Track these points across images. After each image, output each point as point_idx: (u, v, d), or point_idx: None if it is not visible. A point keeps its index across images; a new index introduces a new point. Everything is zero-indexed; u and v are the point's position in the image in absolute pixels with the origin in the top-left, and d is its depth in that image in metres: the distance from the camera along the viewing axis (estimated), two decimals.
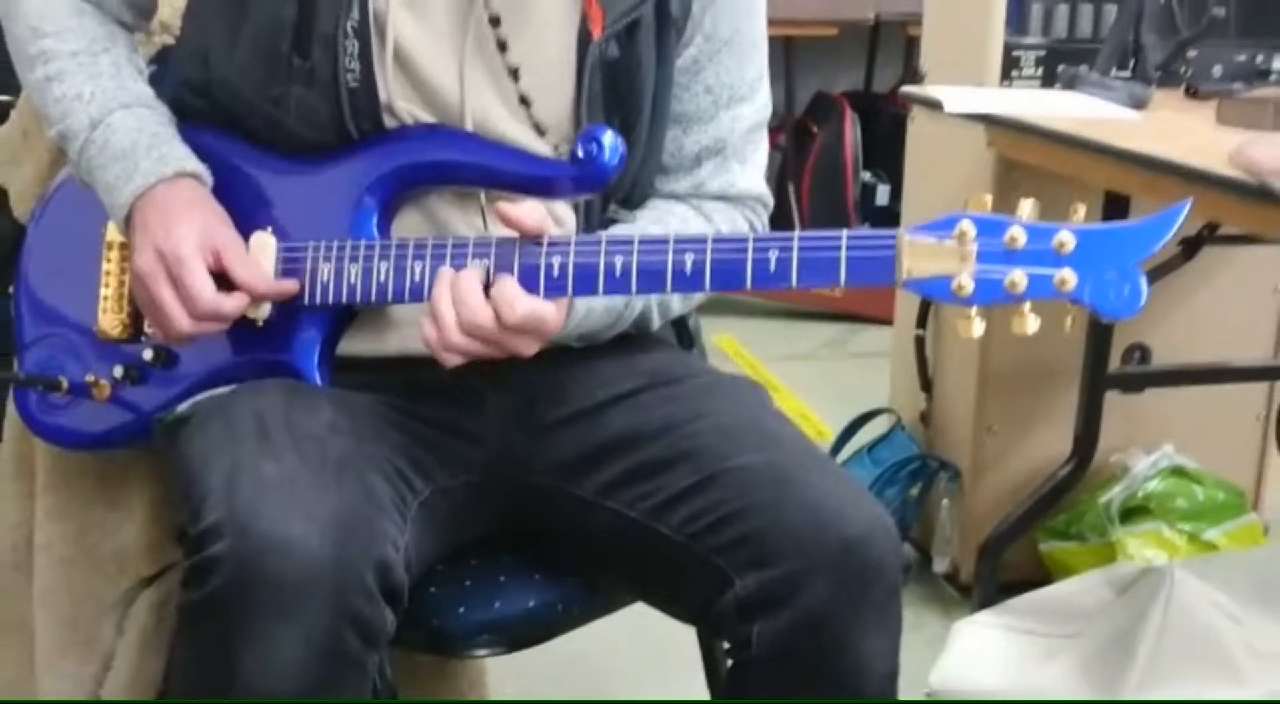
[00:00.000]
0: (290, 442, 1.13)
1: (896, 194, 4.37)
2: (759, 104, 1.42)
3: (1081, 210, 1.08)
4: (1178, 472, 2.34)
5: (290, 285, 1.26)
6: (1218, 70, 2.37)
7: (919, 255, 1.10)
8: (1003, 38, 2.28)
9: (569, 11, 1.28)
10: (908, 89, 2.25)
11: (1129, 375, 2.33)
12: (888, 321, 2.82)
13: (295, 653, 1.03)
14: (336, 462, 1.13)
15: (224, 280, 1.25)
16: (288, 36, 1.26)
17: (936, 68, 2.44)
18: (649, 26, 1.29)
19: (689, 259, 1.15)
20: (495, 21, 1.26)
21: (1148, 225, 1.06)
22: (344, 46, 1.25)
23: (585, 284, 1.18)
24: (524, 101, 1.28)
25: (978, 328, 1.08)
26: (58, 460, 1.51)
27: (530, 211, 1.18)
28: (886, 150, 4.41)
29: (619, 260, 1.16)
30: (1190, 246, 2.05)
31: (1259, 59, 2.41)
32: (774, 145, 3.68)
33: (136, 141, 1.30)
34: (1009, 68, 2.30)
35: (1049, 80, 2.30)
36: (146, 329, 1.35)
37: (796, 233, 1.15)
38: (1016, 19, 2.29)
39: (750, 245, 1.16)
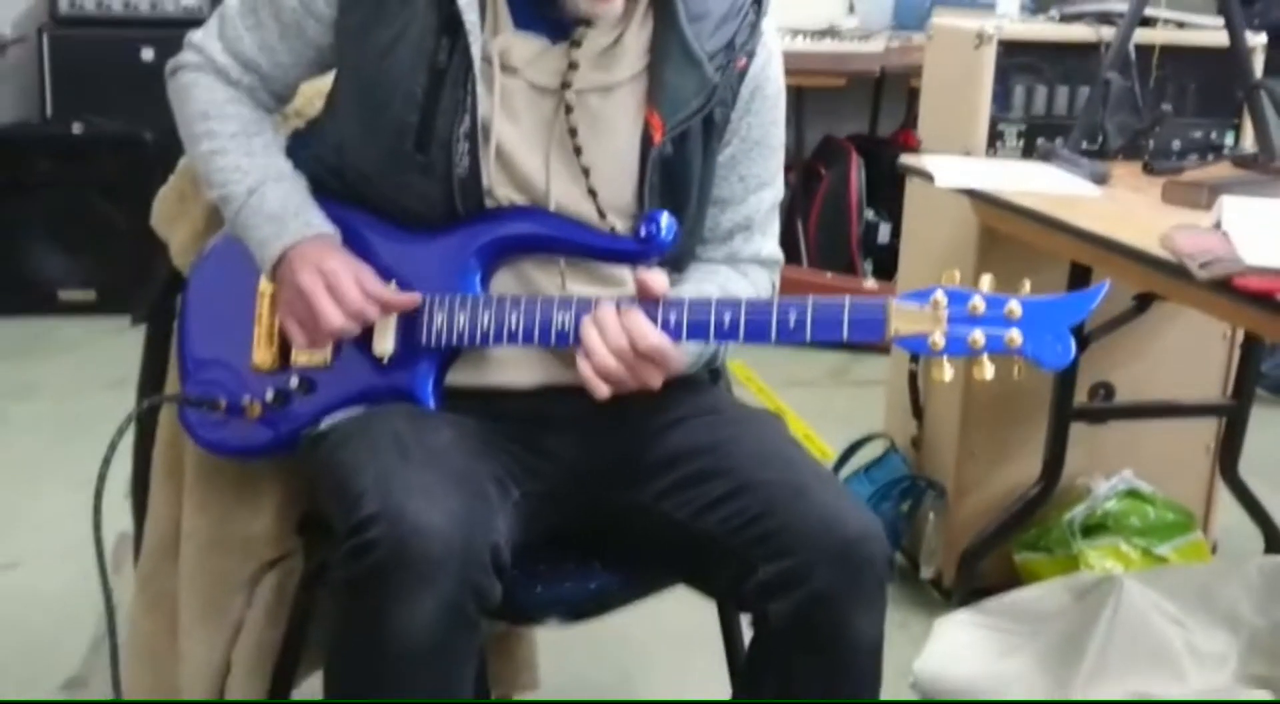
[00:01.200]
0: (424, 454, 1.47)
1: (897, 231, 4.65)
2: (778, 187, 1.75)
3: (1027, 285, 1.42)
4: (1134, 494, 2.60)
5: (414, 297, 1.58)
6: (1176, 144, 2.68)
7: (903, 318, 1.44)
8: (989, 113, 2.59)
9: (634, 120, 1.61)
10: (905, 160, 2.56)
11: (1093, 410, 2.62)
12: (885, 351, 3.11)
13: (433, 613, 1.36)
14: (458, 470, 1.47)
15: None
16: (411, 137, 1.57)
17: (932, 137, 2.75)
18: (697, 132, 1.62)
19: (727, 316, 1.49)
20: (573, 132, 1.59)
21: (1075, 299, 1.41)
22: (456, 147, 1.57)
23: (700, 332, 1.50)
24: (591, 192, 1.60)
25: (948, 373, 1.43)
26: (203, 464, 1.80)
27: (661, 278, 1.50)
28: (888, 191, 4.65)
29: (727, 316, 1.49)
30: (1142, 302, 2.36)
31: (1213, 135, 2.73)
32: (784, 185, 3.98)
33: (285, 207, 1.63)
34: (994, 139, 2.61)
35: (1029, 151, 2.60)
36: (293, 361, 1.66)
37: (811, 299, 1.47)
38: (1002, 97, 2.60)
39: (775, 307, 1.48)
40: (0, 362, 3.91)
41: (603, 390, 1.50)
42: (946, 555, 2.70)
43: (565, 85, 1.58)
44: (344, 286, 1.56)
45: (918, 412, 2.81)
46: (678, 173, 1.63)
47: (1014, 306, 1.40)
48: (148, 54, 4.48)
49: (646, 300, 1.51)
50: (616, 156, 1.61)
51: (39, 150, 4.29)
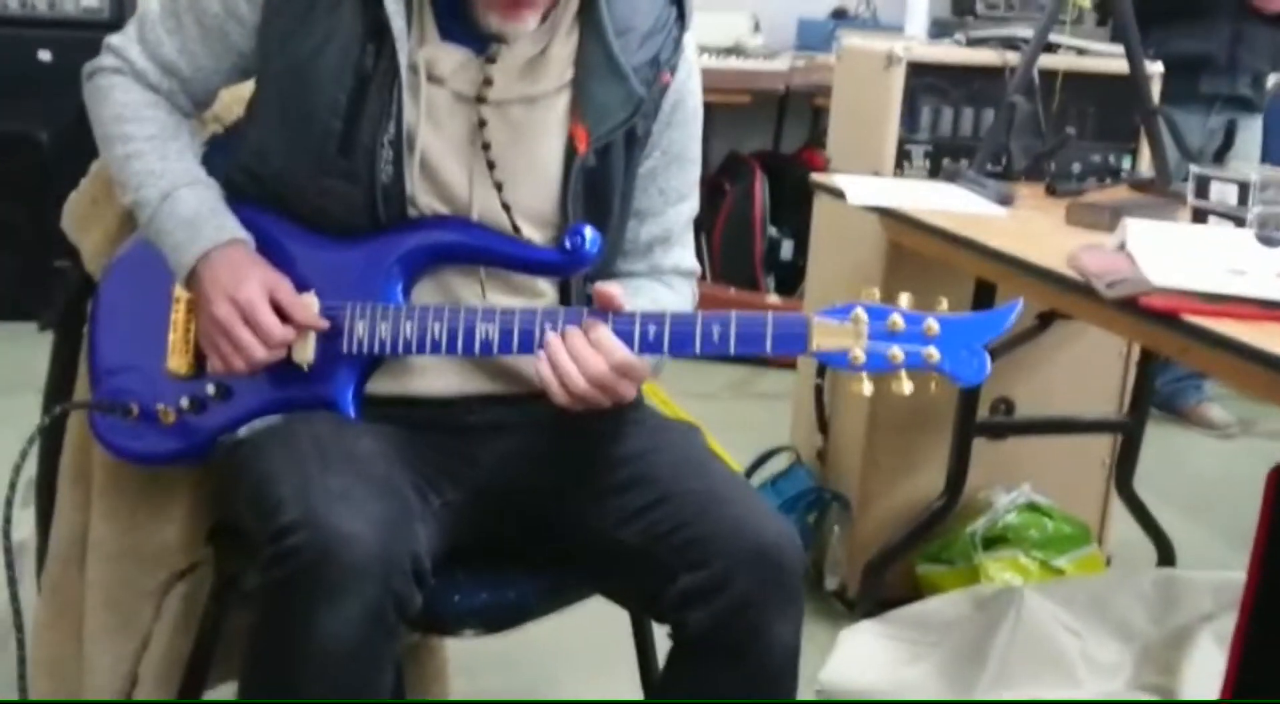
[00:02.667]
0: (345, 462, 1.46)
1: (799, 249, 4.73)
2: (695, 201, 1.78)
3: (945, 303, 1.45)
4: (1032, 507, 2.67)
5: (322, 322, 1.57)
6: (1076, 167, 2.76)
7: (825, 333, 1.46)
8: (897, 134, 2.64)
9: (558, 131, 1.62)
10: (816, 177, 2.60)
11: (994, 424, 2.68)
12: (789, 365, 3.16)
13: (354, 620, 1.35)
14: (379, 478, 1.47)
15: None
16: (335, 143, 1.57)
17: (841, 156, 2.80)
18: (620, 144, 1.63)
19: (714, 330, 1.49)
20: (487, 146, 1.59)
21: (990, 317, 1.45)
22: (380, 154, 1.57)
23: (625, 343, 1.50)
24: (505, 206, 1.60)
25: (867, 388, 1.45)
26: (111, 471, 1.77)
27: (619, 290, 1.51)
28: (791, 208, 4.75)
29: (652, 329, 1.50)
30: (1044, 320, 2.43)
31: (1111, 159, 2.82)
32: None
33: (199, 213, 1.61)
34: (901, 159, 2.66)
35: (935, 171, 2.66)
36: (211, 369, 1.64)
37: (734, 314, 1.48)
38: (910, 118, 2.66)
39: (700, 320, 1.49)
40: None
41: (576, 409, 1.51)
42: (850, 567, 2.74)
43: (480, 99, 1.58)
44: (261, 317, 1.55)
45: (823, 425, 2.85)
46: (600, 184, 1.64)
47: (932, 324, 1.44)
48: (45, 55, 4.40)
49: (602, 311, 1.51)
50: (539, 167, 1.63)
51: None
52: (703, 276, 4.58)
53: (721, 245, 4.77)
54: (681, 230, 1.76)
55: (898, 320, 1.44)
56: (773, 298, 4.54)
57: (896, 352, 1.44)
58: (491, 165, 1.60)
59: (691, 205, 1.76)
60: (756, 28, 5.02)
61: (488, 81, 1.58)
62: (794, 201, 4.65)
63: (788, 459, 2.95)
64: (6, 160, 4.22)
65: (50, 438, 1.88)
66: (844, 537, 2.77)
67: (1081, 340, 2.74)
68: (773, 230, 4.83)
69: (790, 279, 4.69)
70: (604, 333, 1.49)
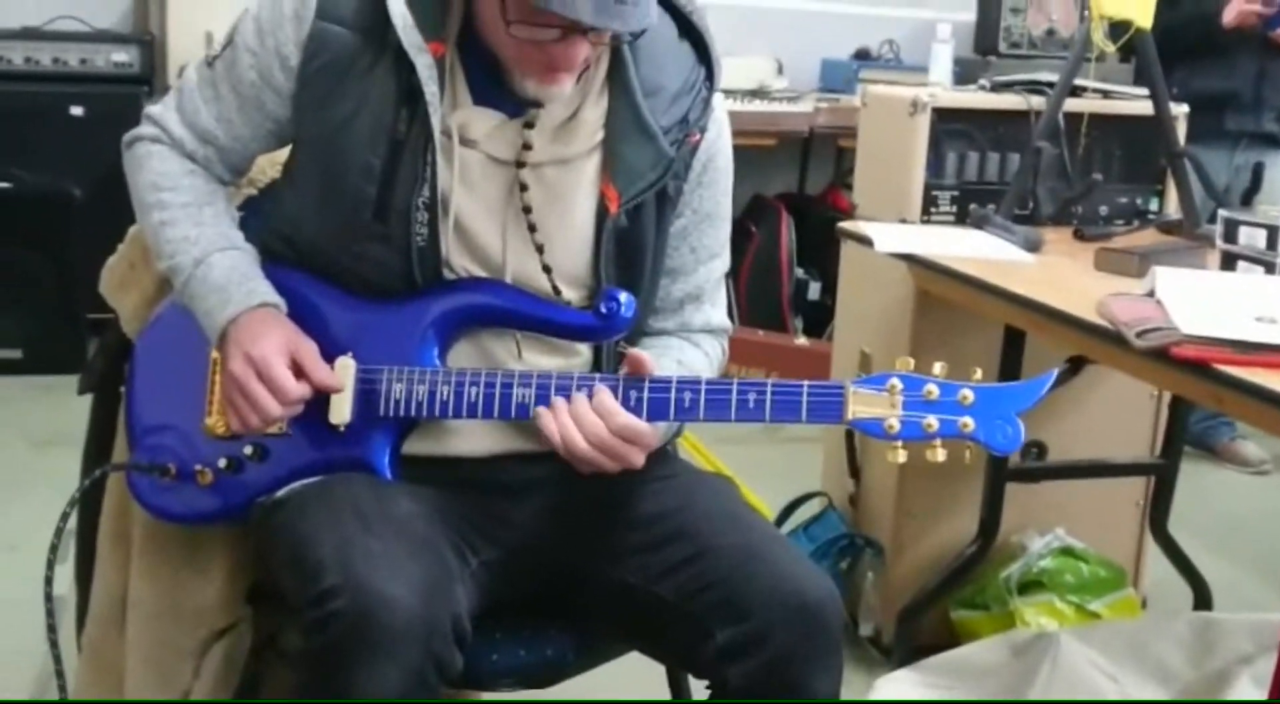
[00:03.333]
0: (384, 524, 1.48)
1: (827, 289, 4.74)
2: (726, 258, 1.79)
3: (979, 372, 1.47)
4: (1067, 551, 2.67)
5: (340, 385, 1.59)
6: (1104, 210, 2.76)
7: (860, 402, 1.48)
8: (923, 180, 2.65)
9: (590, 192, 1.63)
10: (844, 225, 2.61)
11: (1027, 470, 2.66)
12: None
13: (396, 684, 1.36)
14: (419, 540, 1.48)
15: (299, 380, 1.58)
16: (370, 207, 1.59)
17: (867, 201, 2.81)
18: (651, 204, 1.65)
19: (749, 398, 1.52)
20: (527, 209, 1.61)
21: (1025, 387, 1.47)
22: (415, 217, 1.59)
23: (661, 410, 1.53)
24: (546, 268, 1.62)
25: (901, 457, 1.47)
26: (151, 531, 1.79)
27: (649, 358, 1.54)
28: (818, 249, 4.77)
29: (688, 396, 1.53)
30: (1075, 364, 2.43)
31: (1139, 201, 2.82)
32: None
33: (230, 278, 1.64)
34: (928, 205, 2.67)
35: (962, 216, 2.66)
36: (230, 425, 1.63)
37: (771, 382, 1.51)
38: (935, 164, 2.67)
39: (735, 388, 1.52)
40: None
41: (584, 470, 1.53)
42: (885, 613, 2.74)
43: (520, 163, 1.60)
44: (275, 374, 1.57)
45: (854, 470, 2.85)
46: (632, 244, 1.65)
47: (967, 393, 1.45)
48: (77, 110, 4.45)
49: (633, 376, 1.54)
50: (572, 227, 1.64)
51: None
52: (730, 319, 4.59)
53: (748, 287, 4.78)
54: (713, 288, 1.77)
55: (933, 390, 1.46)
56: (801, 340, 4.54)
57: (931, 421, 1.45)
58: (533, 227, 1.62)
59: (723, 263, 1.77)
60: (780, 70, 5.05)
61: (526, 146, 1.60)
62: (820, 243, 4.66)
63: (820, 504, 2.95)
64: (38, 214, 4.26)
65: (89, 498, 1.90)
66: (878, 582, 2.76)
67: (1112, 382, 2.73)
68: (800, 271, 4.85)
69: (819, 320, 4.69)
70: (605, 397, 1.52)
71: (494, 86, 1.60)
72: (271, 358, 1.57)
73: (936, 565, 2.67)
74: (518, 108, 1.60)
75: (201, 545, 1.79)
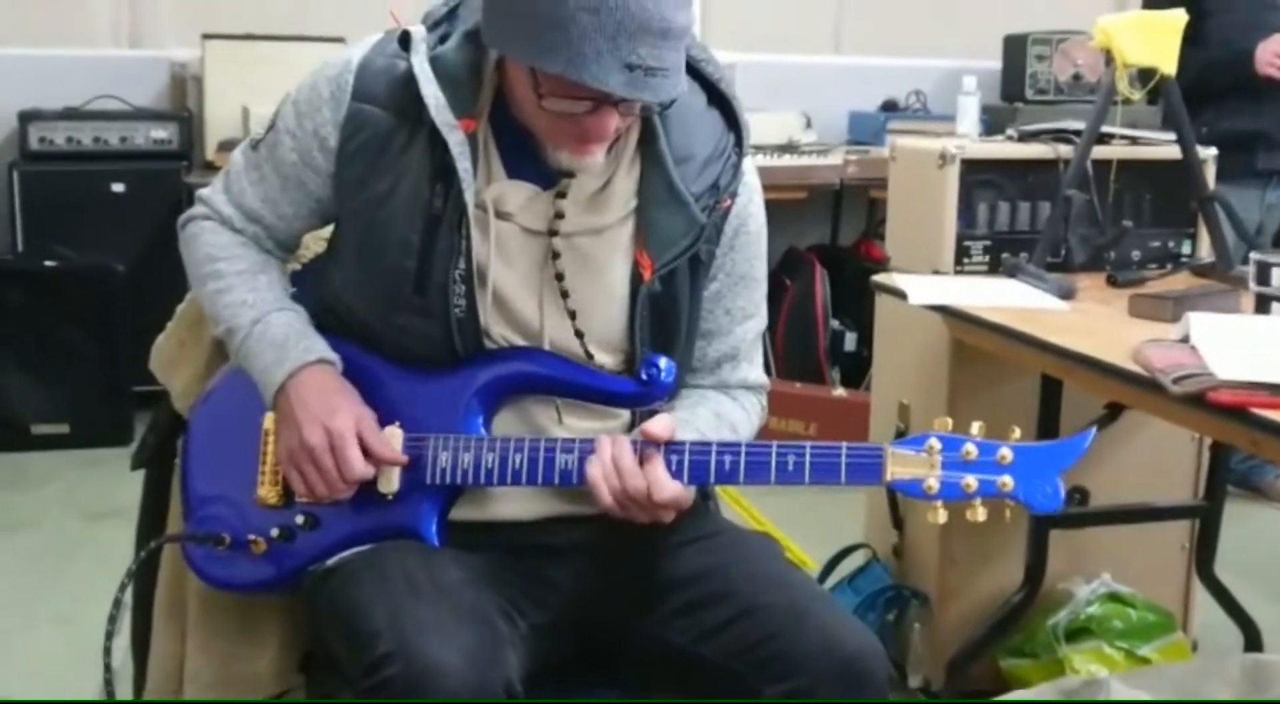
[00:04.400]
0: (435, 591, 1.50)
1: (863, 339, 4.75)
2: (762, 317, 1.81)
3: (1017, 431, 1.48)
4: (1114, 597, 2.66)
5: (402, 458, 1.63)
6: (1136, 254, 2.77)
7: (899, 463, 1.50)
8: (955, 231, 2.67)
9: (624, 259, 1.66)
10: (877, 278, 2.64)
11: (1070, 516, 2.66)
12: None
13: None
14: (469, 606, 1.50)
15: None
16: (410, 281, 1.63)
17: (900, 254, 2.83)
18: (685, 269, 1.68)
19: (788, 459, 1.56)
20: (560, 276, 1.64)
21: (1064, 446, 1.48)
22: (453, 290, 1.63)
23: (701, 473, 1.57)
24: (579, 333, 1.65)
25: (941, 517, 1.49)
26: (206, 602, 1.82)
27: (667, 426, 1.57)
28: (853, 300, 4.79)
29: (728, 459, 1.56)
30: (1114, 409, 2.43)
31: (1171, 244, 2.83)
32: None
33: (287, 336, 1.68)
34: (961, 255, 2.69)
35: (994, 266, 2.68)
36: (297, 498, 1.69)
37: (809, 444, 1.53)
38: (966, 214, 2.69)
39: (774, 451, 1.55)
40: None
41: (617, 515, 1.57)
42: (933, 663, 2.73)
43: (553, 232, 1.64)
44: (349, 454, 1.61)
45: (897, 522, 2.85)
46: (666, 309, 1.68)
47: (1006, 453, 1.47)
48: (118, 187, 4.54)
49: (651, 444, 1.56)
50: (608, 294, 1.67)
51: (11, 285, 4.31)
52: (767, 372, 4.63)
53: (785, 341, 4.79)
54: (749, 347, 1.80)
55: (971, 450, 1.47)
56: (839, 391, 4.55)
57: (971, 481, 1.47)
58: (565, 293, 1.65)
59: (758, 322, 1.80)
60: (808, 124, 5.10)
61: (559, 215, 1.63)
62: (855, 294, 4.68)
63: (864, 556, 2.95)
64: (83, 290, 4.34)
65: (145, 570, 1.93)
66: (925, 633, 2.77)
67: (1153, 425, 2.73)
68: (835, 323, 4.85)
69: (856, 371, 4.70)
70: (658, 466, 1.55)
71: (526, 159, 1.64)
72: (348, 435, 1.61)
73: (983, 614, 2.67)
74: (551, 179, 1.64)
75: (255, 615, 1.82)
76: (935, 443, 1.49)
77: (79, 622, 2.97)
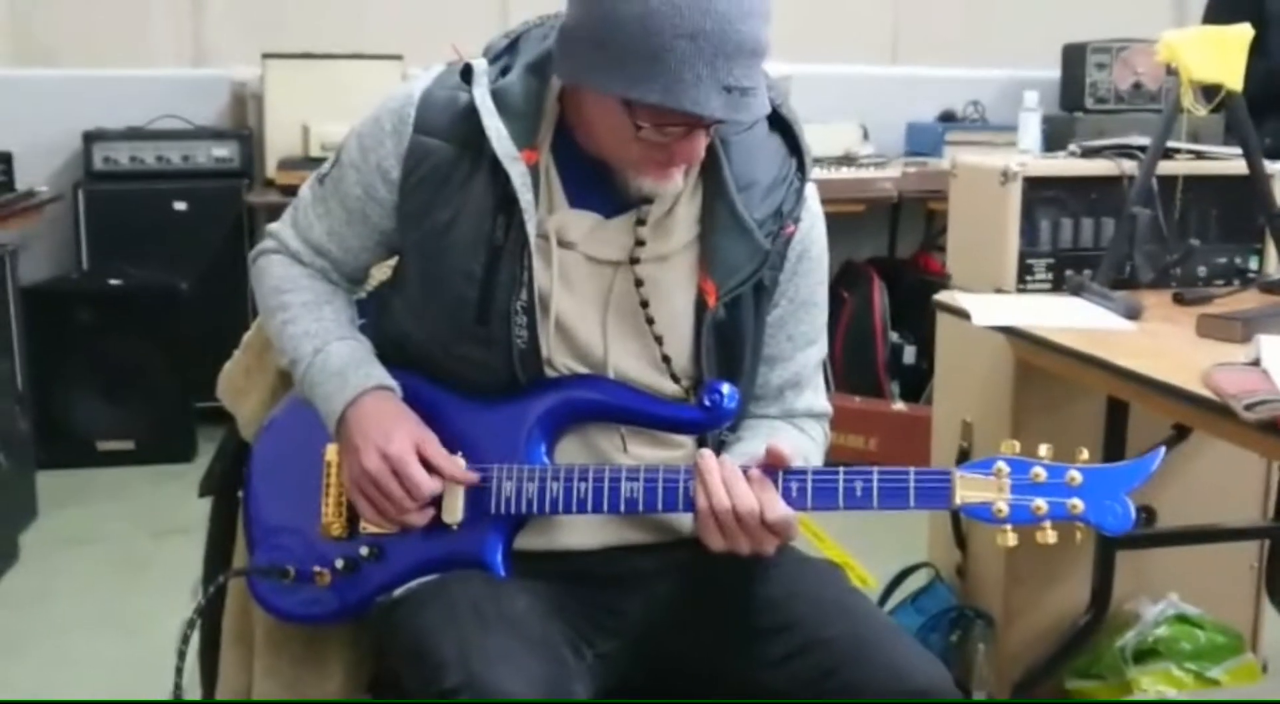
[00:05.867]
0: (502, 623, 1.51)
1: (922, 352, 4.72)
2: (823, 344, 1.81)
3: (1085, 452, 1.47)
4: (1182, 619, 2.64)
5: (474, 476, 1.63)
6: (1203, 271, 2.74)
7: (968, 487, 1.49)
8: (1018, 248, 2.64)
9: (688, 287, 1.66)
10: (939, 297, 2.62)
11: (1137, 536, 2.63)
12: None
13: None
14: (536, 636, 1.51)
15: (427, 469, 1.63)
16: (471, 312, 1.64)
17: (961, 272, 2.80)
18: (749, 296, 1.67)
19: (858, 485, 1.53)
20: (645, 303, 1.64)
21: (1132, 467, 1.47)
22: (515, 320, 1.63)
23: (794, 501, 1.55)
24: (666, 358, 1.66)
25: (1011, 540, 1.47)
26: (272, 631, 1.82)
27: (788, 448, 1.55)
28: (911, 313, 4.77)
29: (794, 486, 1.54)
30: (1181, 430, 2.40)
31: (1238, 260, 2.79)
32: None
33: (347, 364, 1.69)
34: (1023, 273, 2.65)
35: (1058, 284, 2.65)
36: (361, 529, 1.70)
37: (877, 470, 1.52)
38: (1029, 232, 2.66)
39: (841, 476, 1.54)
40: (46, 513, 3.95)
41: (716, 545, 1.55)
42: (998, 685, 2.71)
43: (635, 260, 1.64)
44: (412, 471, 1.61)
45: (960, 541, 2.83)
46: (731, 335, 1.68)
47: (1074, 475, 1.46)
48: (181, 205, 4.60)
49: (768, 467, 1.55)
50: (674, 322, 1.67)
51: (77, 303, 4.37)
52: (827, 385, 4.64)
53: (844, 354, 4.77)
54: (811, 373, 1.79)
55: (1040, 472, 1.46)
56: (899, 405, 4.53)
57: (1040, 504, 1.46)
58: (651, 320, 1.65)
59: (819, 349, 1.79)
60: (866, 136, 5.07)
61: (640, 242, 1.64)
62: (913, 306, 4.66)
63: (927, 576, 2.93)
64: (147, 308, 4.39)
65: (212, 601, 1.94)
66: (989, 654, 2.74)
67: (1221, 445, 2.67)
68: (894, 336, 4.84)
69: (915, 384, 4.68)
70: (769, 485, 1.53)
71: (589, 188, 1.64)
72: (407, 456, 1.62)
73: (1049, 635, 2.65)
74: (612, 208, 1.64)
75: (321, 642, 1.83)
76: (1004, 466, 1.48)
77: (145, 637, 3.00)
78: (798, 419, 1.78)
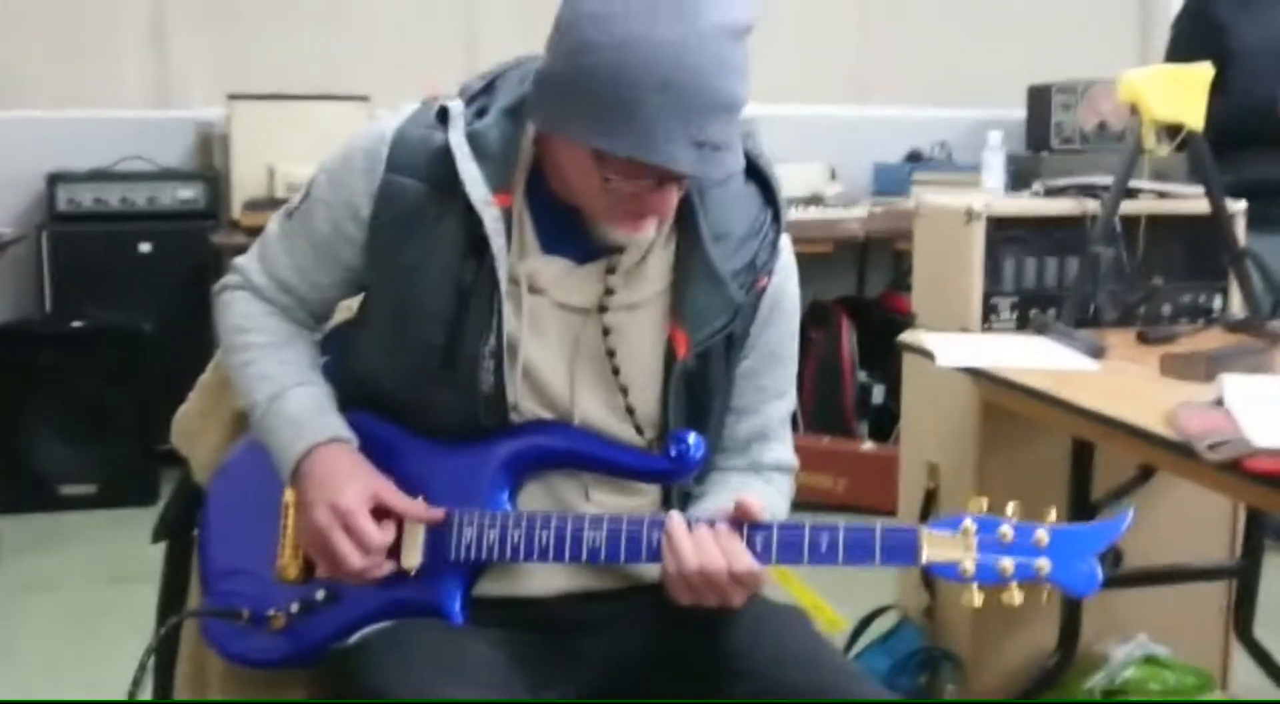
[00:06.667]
0: (458, 672, 1.48)
1: (891, 392, 4.72)
2: (791, 397, 1.78)
3: (1054, 513, 1.45)
4: (1151, 659, 2.63)
5: (438, 513, 1.60)
6: (1167, 309, 2.75)
7: (935, 545, 1.47)
8: (982, 288, 2.65)
9: (657, 336, 1.64)
10: (904, 338, 2.62)
11: (1105, 577, 2.63)
12: (889, 512, 3.13)
13: None
14: (495, 683, 1.48)
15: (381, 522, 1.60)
16: (437, 355, 1.61)
17: (926, 311, 2.81)
18: (720, 346, 1.65)
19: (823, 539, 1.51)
20: (611, 353, 1.62)
21: (1101, 528, 1.45)
22: (482, 365, 1.60)
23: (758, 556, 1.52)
24: (630, 409, 1.63)
25: (977, 600, 1.45)
26: (228, 679, 1.78)
27: (758, 502, 1.53)
28: (879, 351, 4.75)
29: (759, 539, 1.52)
30: (1146, 471, 2.40)
31: (1202, 298, 2.80)
32: None
33: (304, 412, 1.66)
34: (988, 313, 2.66)
35: (1023, 323, 2.66)
36: (318, 573, 1.67)
37: (843, 525, 1.50)
38: (993, 271, 2.66)
39: (807, 533, 1.51)
40: (7, 558, 3.90)
41: (684, 599, 1.52)
42: None
43: (603, 308, 1.62)
44: (359, 524, 1.58)
45: (928, 583, 2.82)
46: (700, 386, 1.66)
47: (1042, 535, 1.44)
48: (145, 247, 4.57)
49: (735, 520, 1.53)
50: (641, 371, 1.65)
51: (40, 346, 4.33)
52: (795, 427, 4.61)
53: (812, 394, 4.76)
54: (778, 426, 1.77)
55: (1007, 531, 1.44)
56: (867, 444, 4.52)
57: (1007, 564, 1.44)
58: (617, 370, 1.63)
59: (788, 402, 1.77)
60: (833, 176, 5.10)
61: (609, 291, 1.62)
62: (882, 346, 4.62)
63: (895, 617, 2.92)
64: (111, 350, 4.36)
65: (166, 644, 1.91)
66: (958, 695, 2.73)
67: (1187, 484, 2.68)
68: (863, 375, 4.84)
69: (884, 424, 4.67)
70: (736, 539, 1.51)
71: (561, 233, 1.62)
72: (355, 508, 1.58)
73: (1018, 676, 2.65)
74: (584, 254, 1.63)
75: (279, 689, 1.78)
76: (970, 524, 1.46)
77: (105, 685, 2.94)
78: (765, 472, 1.76)
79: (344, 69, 4.93)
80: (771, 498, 1.70)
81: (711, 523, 1.53)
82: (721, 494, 1.66)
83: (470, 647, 1.54)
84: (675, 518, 1.54)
